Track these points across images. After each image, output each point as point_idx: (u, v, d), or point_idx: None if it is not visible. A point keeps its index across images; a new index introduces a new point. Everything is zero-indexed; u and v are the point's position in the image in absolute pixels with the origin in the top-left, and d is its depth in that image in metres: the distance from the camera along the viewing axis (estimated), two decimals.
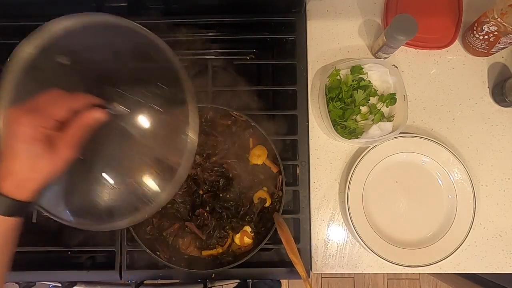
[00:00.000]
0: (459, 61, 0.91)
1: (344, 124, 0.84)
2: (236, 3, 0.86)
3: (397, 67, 0.84)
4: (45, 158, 0.48)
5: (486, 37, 0.82)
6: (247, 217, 0.79)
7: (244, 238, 0.78)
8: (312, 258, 0.84)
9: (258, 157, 0.79)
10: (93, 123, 0.51)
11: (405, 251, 0.81)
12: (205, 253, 0.78)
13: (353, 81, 0.85)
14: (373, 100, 0.86)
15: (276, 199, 0.79)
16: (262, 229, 0.79)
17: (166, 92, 0.57)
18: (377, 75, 0.85)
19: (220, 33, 0.92)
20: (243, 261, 0.74)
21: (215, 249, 0.78)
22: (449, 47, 0.89)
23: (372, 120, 0.85)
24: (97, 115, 0.50)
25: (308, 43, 0.89)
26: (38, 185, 0.49)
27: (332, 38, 0.91)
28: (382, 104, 0.85)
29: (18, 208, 0.48)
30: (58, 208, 0.55)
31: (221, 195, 0.79)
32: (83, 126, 0.50)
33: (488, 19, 0.78)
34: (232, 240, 0.79)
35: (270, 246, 0.84)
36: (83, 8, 0.86)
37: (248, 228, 0.79)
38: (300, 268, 0.71)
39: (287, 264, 0.85)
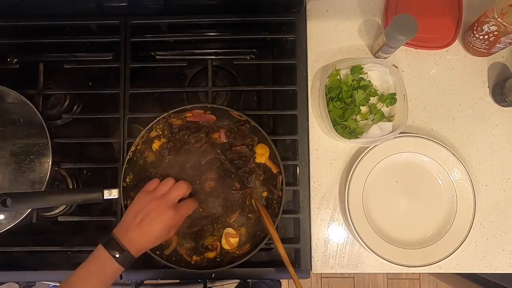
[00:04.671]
0: (459, 61, 0.91)
1: (344, 124, 0.84)
2: (236, 3, 0.86)
3: (397, 67, 0.84)
4: (163, 239, 0.67)
5: (486, 37, 0.82)
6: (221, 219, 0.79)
7: (229, 240, 0.78)
8: (312, 258, 0.84)
9: (262, 155, 0.79)
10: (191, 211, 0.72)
11: (405, 251, 0.81)
12: (195, 258, 0.78)
13: (353, 81, 0.85)
14: (373, 100, 0.86)
15: (276, 199, 0.79)
16: (258, 232, 0.79)
17: None
18: (377, 75, 0.85)
19: (220, 33, 0.92)
20: (243, 261, 0.74)
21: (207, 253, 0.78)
22: (449, 47, 0.89)
23: (372, 120, 0.85)
24: (195, 205, 0.73)
25: (308, 43, 0.89)
26: (145, 250, 0.66)
27: (332, 38, 0.91)
28: (382, 104, 0.85)
29: (131, 264, 0.63)
30: None
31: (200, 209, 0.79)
32: (186, 213, 0.70)
33: (488, 19, 0.78)
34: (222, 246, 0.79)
35: (270, 246, 0.84)
36: (83, 8, 0.87)
37: (229, 230, 0.78)
38: (279, 245, 0.71)
39: None
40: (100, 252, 0.61)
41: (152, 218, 0.64)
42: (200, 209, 0.78)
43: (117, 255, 0.61)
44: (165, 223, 0.64)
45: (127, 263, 0.62)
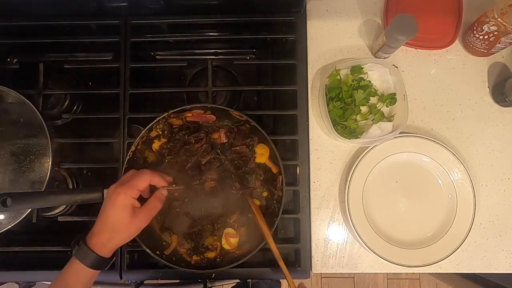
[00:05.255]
0: (459, 61, 0.91)
1: (344, 124, 0.84)
2: (236, 3, 0.86)
3: (397, 67, 0.84)
4: (129, 223, 0.62)
5: (486, 37, 0.82)
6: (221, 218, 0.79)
7: (229, 240, 0.78)
8: (312, 258, 0.84)
9: (262, 155, 0.79)
10: (162, 199, 0.68)
11: (405, 251, 0.81)
12: (195, 258, 0.78)
13: (353, 81, 0.85)
14: (373, 100, 0.86)
15: (276, 199, 0.79)
16: (258, 232, 0.79)
17: None
18: (377, 75, 0.85)
19: (220, 33, 0.92)
20: (243, 261, 0.74)
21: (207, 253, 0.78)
22: (449, 47, 0.89)
23: (372, 120, 0.84)
24: (165, 193, 0.69)
25: (308, 43, 0.89)
26: (116, 246, 0.63)
27: (332, 38, 0.91)
28: (382, 104, 0.85)
29: (100, 263, 0.61)
30: None
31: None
32: (156, 200, 0.67)
33: (488, 19, 0.78)
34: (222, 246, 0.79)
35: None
36: (83, 8, 0.87)
37: (229, 230, 0.78)
38: (270, 240, 0.72)
39: (288, 264, 0.85)
40: (72, 260, 0.62)
41: (105, 203, 0.63)
42: (175, 194, 0.76)
43: (86, 261, 0.61)
44: (117, 203, 0.61)
45: (100, 265, 0.62)
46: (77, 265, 0.61)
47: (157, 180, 0.67)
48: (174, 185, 0.72)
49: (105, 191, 0.71)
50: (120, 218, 0.62)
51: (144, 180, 0.65)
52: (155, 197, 0.67)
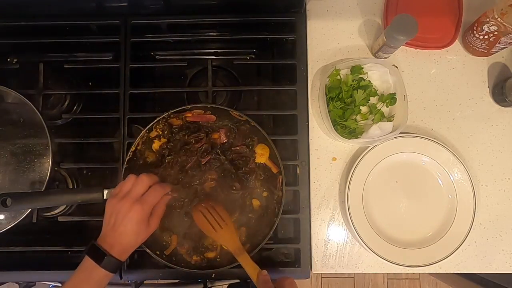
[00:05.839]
0: (459, 61, 0.91)
1: (344, 124, 0.84)
2: (236, 3, 0.86)
3: (397, 67, 0.84)
4: (144, 233, 0.67)
5: (486, 37, 0.82)
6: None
7: None
8: (312, 258, 0.84)
9: (262, 155, 0.79)
10: (168, 203, 0.72)
11: (405, 251, 0.81)
12: (195, 257, 0.78)
13: (353, 81, 0.85)
14: (373, 100, 0.86)
15: (276, 199, 0.79)
16: (258, 232, 0.79)
17: None
18: (377, 75, 0.85)
19: (220, 33, 0.92)
20: None
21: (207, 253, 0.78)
22: (449, 47, 0.89)
23: (372, 120, 0.85)
24: (170, 197, 0.73)
25: (308, 43, 0.89)
26: (132, 250, 0.67)
27: (332, 38, 0.91)
28: (382, 104, 0.85)
29: (118, 267, 0.65)
30: None
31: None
32: (163, 205, 0.70)
33: (488, 19, 0.78)
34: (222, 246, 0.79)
35: (270, 246, 0.84)
36: (83, 8, 0.87)
37: None
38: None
39: (287, 264, 0.85)
40: (86, 261, 0.64)
41: (122, 218, 0.65)
42: (175, 195, 0.77)
43: (101, 261, 0.63)
44: (135, 219, 0.65)
45: (114, 267, 0.64)
46: (92, 267, 0.63)
47: (152, 182, 0.70)
48: (170, 192, 0.73)
49: (105, 191, 0.71)
50: (138, 231, 0.66)
51: (159, 196, 0.69)
52: (163, 203, 0.71)
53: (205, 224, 0.73)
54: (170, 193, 0.73)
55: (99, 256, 0.63)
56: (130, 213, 0.65)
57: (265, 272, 0.68)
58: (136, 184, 0.67)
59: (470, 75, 0.90)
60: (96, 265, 0.63)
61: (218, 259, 0.78)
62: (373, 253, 0.80)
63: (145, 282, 0.88)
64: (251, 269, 0.70)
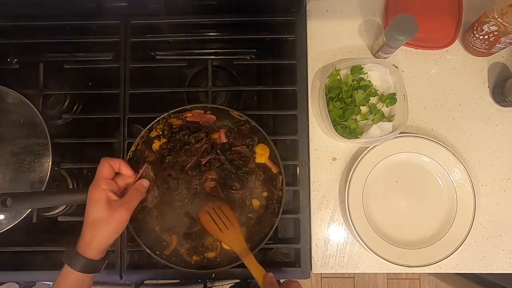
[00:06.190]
0: (459, 61, 0.91)
1: (344, 124, 0.84)
2: (236, 3, 0.86)
3: (397, 67, 0.84)
4: (105, 217, 0.61)
5: (486, 37, 0.82)
6: None
7: None
8: (312, 258, 0.84)
9: (262, 155, 0.79)
10: (143, 190, 0.69)
11: (405, 251, 0.81)
12: (195, 258, 0.78)
13: (353, 81, 0.85)
14: (373, 100, 0.86)
15: (276, 199, 0.79)
16: (258, 232, 0.79)
17: None
18: (377, 75, 0.85)
19: (220, 33, 0.92)
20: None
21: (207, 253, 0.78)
22: (449, 47, 0.89)
23: (372, 120, 0.85)
24: (145, 184, 0.70)
25: (308, 43, 0.89)
26: (101, 245, 0.62)
27: (332, 38, 0.91)
28: (382, 104, 0.85)
29: (87, 266, 0.61)
30: None
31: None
32: (136, 194, 0.66)
33: (488, 19, 0.78)
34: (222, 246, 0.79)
35: (270, 246, 0.84)
36: (83, 8, 0.87)
37: None
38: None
39: (287, 264, 0.85)
40: (63, 267, 0.63)
41: (85, 209, 0.64)
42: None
43: (76, 265, 0.61)
44: (92, 200, 0.63)
45: (91, 268, 0.62)
46: (65, 268, 0.62)
47: (117, 164, 0.67)
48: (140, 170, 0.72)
49: None
50: (97, 213, 0.62)
51: (103, 166, 0.65)
52: (133, 188, 0.68)
53: (211, 225, 0.73)
54: (143, 183, 0.70)
55: (74, 260, 0.62)
56: (88, 195, 0.63)
57: (271, 274, 0.67)
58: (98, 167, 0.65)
59: (470, 75, 0.90)
60: (72, 270, 0.61)
61: (218, 259, 0.78)
62: (373, 253, 0.80)
63: (145, 282, 0.88)
64: (256, 271, 0.69)
